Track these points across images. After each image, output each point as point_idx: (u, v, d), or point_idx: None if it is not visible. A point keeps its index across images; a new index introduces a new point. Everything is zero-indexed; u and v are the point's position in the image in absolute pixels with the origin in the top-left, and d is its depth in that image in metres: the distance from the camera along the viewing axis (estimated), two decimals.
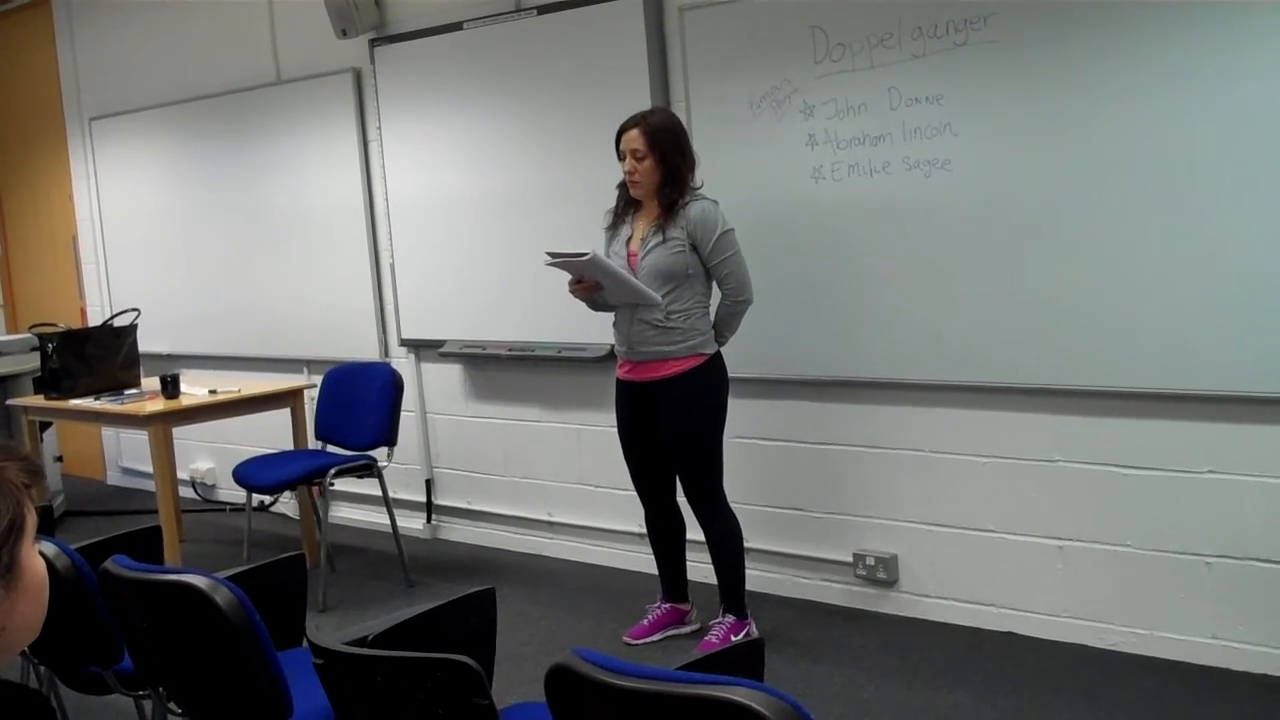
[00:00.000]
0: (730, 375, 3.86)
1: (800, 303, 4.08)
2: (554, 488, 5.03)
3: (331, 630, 2.22)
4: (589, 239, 3.90)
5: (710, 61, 4.20)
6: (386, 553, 5.10)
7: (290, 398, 5.19)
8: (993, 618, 3.89)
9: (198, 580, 2.33)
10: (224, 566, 2.72)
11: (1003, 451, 3.81)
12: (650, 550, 4.13)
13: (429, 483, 5.50)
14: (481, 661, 1.99)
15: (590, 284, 3.76)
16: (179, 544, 4.95)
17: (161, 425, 4.86)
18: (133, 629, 2.58)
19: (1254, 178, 3.20)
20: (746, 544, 3.94)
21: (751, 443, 4.32)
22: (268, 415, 5.26)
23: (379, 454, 4.77)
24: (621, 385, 3.92)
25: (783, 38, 3.99)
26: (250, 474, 4.76)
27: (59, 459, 6.47)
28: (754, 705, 1.53)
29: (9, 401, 5.65)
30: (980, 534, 3.89)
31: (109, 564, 2.51)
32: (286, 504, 5.85)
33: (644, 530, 4.12)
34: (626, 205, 3.85)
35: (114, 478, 7.25)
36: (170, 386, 4.92)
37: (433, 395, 5.43)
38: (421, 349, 5.41)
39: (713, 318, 3.80)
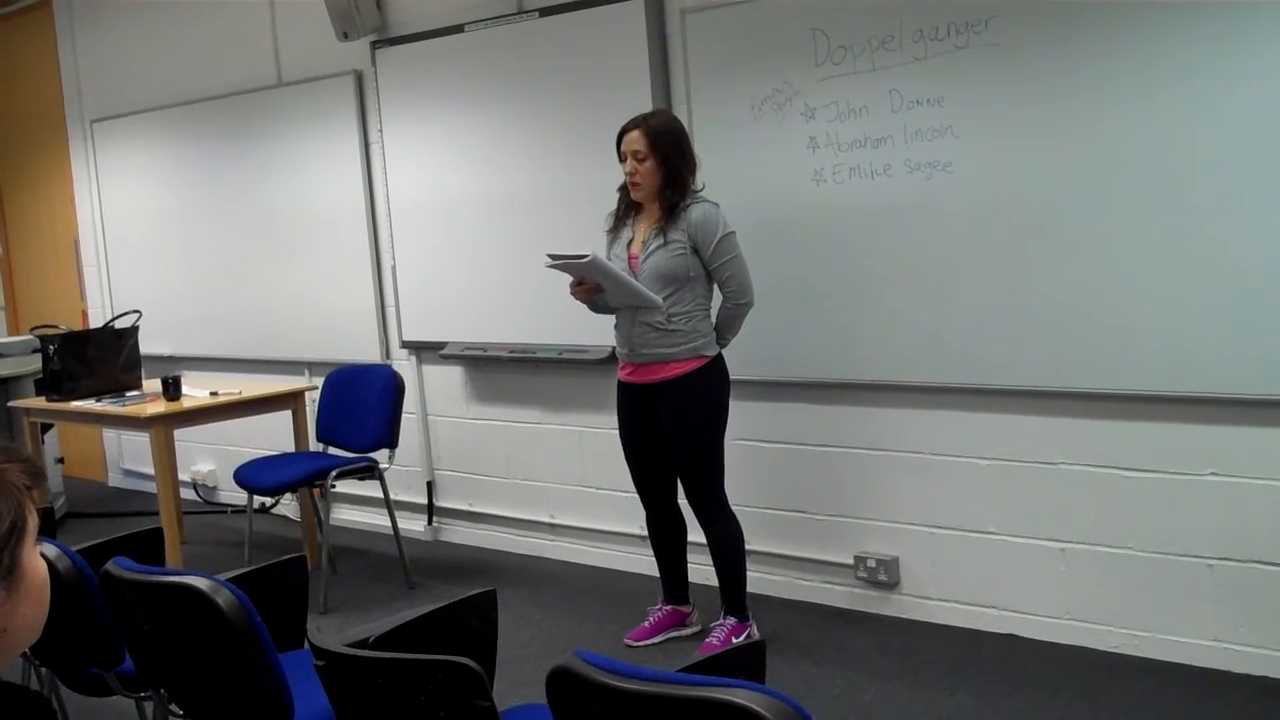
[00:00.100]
0: (731, 377, 3.86)
1: (801, 305, 4.08)
2: (555, 489, 5.03)
3: (333, 632, 2.22)
4: (590, 241, 3.90)
5: (712, 64, 4.21)
6: (388, 555, 5.10)
7: (291, 400, 5.19)
8: (994, 620, 3.89)
9: (199, 582, 2.33)
10: (225, 568, 2.72)
11: (1004, 454, 3.81)
12: (651, 552, 4.13)
13: (430, 485, 5.50)
14: (483, 663, 2.00)
15: (591, 286, 3.77)
16: (180, 546, 4.96)
17: (163, 427, 4.87)
18: (134, 631, 2.58)
19: (1255, 178, 3.20)
20: (748, 546, 3.94)
21: (752, 445, 4.32)
22: (269, 417, 5.26)
23: (380, 456, 4.77)
24: (623, 387, 3.92)
25: (784, 40, 3.99)
26: (251, 476, 4.77)
27: (60, 461, 6.47)
28: (755, 707, 1.53)
29: (10, 403, 5.66)
30: (981, 536, 3.89)
31: (110, 566, 2.52)
32: (288, 506, 5.85)
33: (645, 532, 4.12)
34: (627, 208, 3.85)
35: (115, 479, 7.25)
36: (171, 388, 4.92)
37: (434, 397, 5.43)
38: (423, 351, 5.41)
39: (714, 320, 3.81)
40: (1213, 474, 3.44)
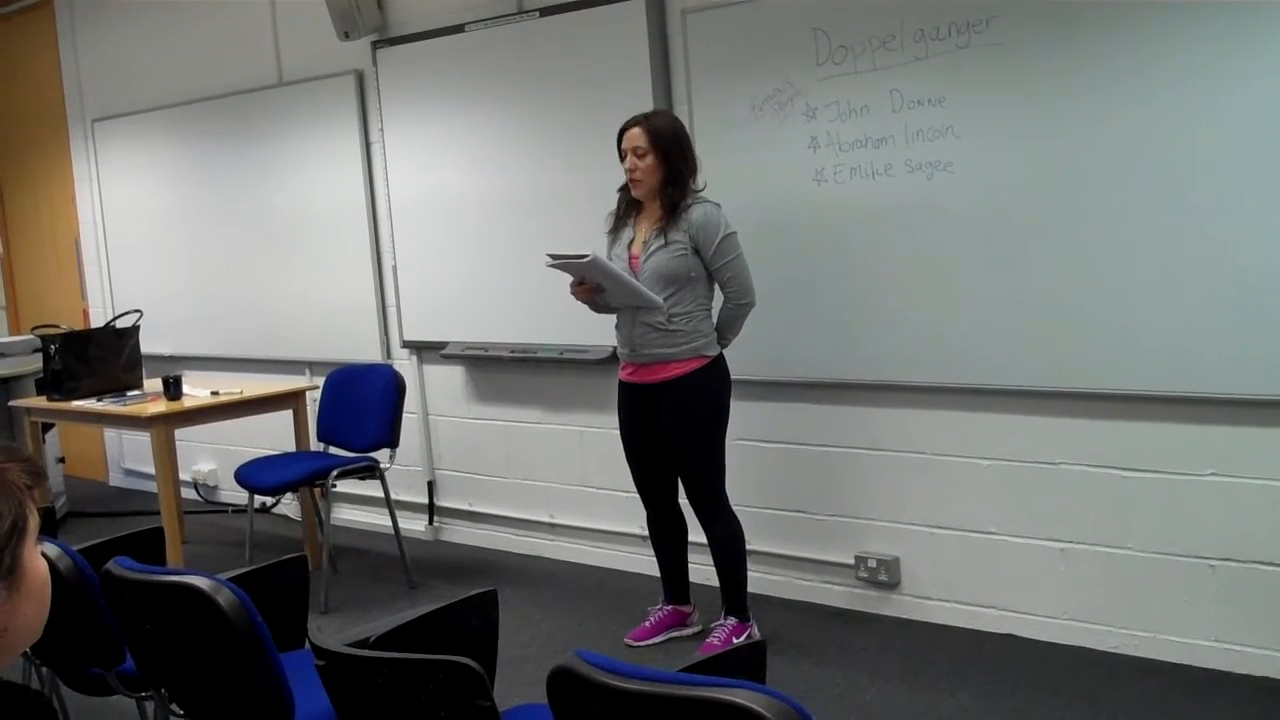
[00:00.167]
0: (732, 377, 3.86)
1: (802, 305, 4.08)
2: (556, 489, 5.03)
3: (333, 632, 2.22)
4: (591, 240, 3.91)
5: (712, 64, 4.21)
6: (388, 554, 5.10)
7: (292, 399, 5.19)
8: (994, 620, 3.89)
9: (200, 581, 2.33)
10: (226, 568, 2.72)
11: (1004, 454, 3.81)
12: (652, 552, 4.13)
13: (431, 484, 5.50)
14: (483, 663, 2.00)
15: (591, 286, 3.77)
16: (181, 545, 4.95)
17: (163, 427, 4.87)
18: (135, 630, 2.58)
19: (1256, 178, 3.20)
20: (748, 546, 3.94)
21: (753, 445, 4.32)
22: (270, 417, 5.27)
23: (381, 455, 4.77)
24: (624, 387, 3.92)
25: (785, 40, 3.99)
26: (252, 475, 4.77)
27: (61, 460, 6.47)
28: (756, 707, 1.53)
29: (11, 403, 5.66)
30: (982, 536, 3.89)
31: (111, 565, 2.52)
32: (288, 505, 5.85)
33: (646, 532, 4.12)
34: (628, 208, 3.85)
35: (116, 479, 7.25)
36: (172, 388, 4.92)
37: (434, 397, 5.43)
38: (423, 350, 5.41)
39: (715, 320, 3.81)
40: (1213, 474, 3.44)
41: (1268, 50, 3.15)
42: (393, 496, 4.89)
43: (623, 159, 3.76)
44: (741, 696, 1.55)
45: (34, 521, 1.34)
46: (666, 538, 4.05)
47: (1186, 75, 3.28)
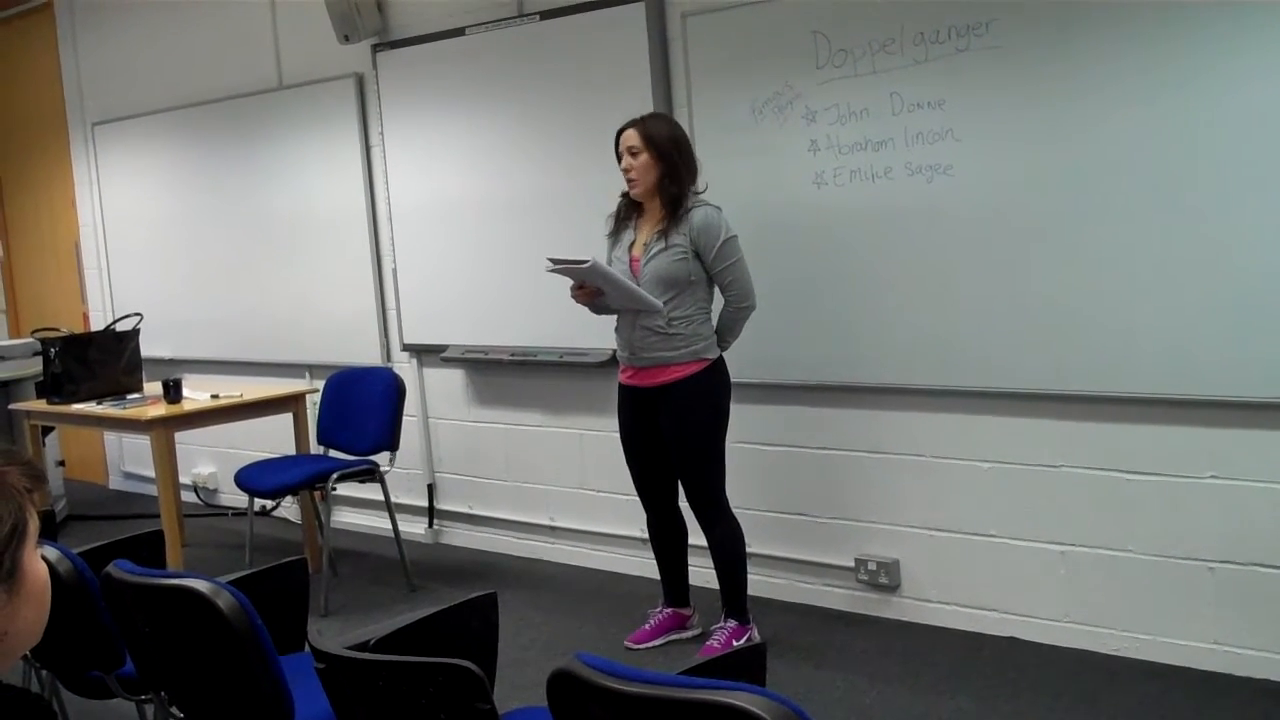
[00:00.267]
0: (732, 380, 3.86)
1: (802, 308, 4.08)
2: (556, 492, 5.03)
3: (333, 635, 2.22)
4: (591, 244, 3.91)
5: (712, 67, 4.21)
6: (388, 557, 5.10)
7: (292, 402, 5.19)
8: (994, 623, 3.89)
9: (200, 584, 2.33)
10: (226, 571, 2.72)
11: (1004, 456, 3.81)
12: (652, 555, 4.13)
13: (431, 487, 5.50)
14: (483, 666, 1.99)
15: (592, 289, 3.77)
16: (181, 548, 4.95)
17: (163, 430, 4.87)
18: (135, 633, 2.58)
19: (1256, 180, 3.20)
20: (748, 549, 3.94)
21: (753, 447, 4.32)
22: (270, 420, 5.27)
23: (381, 459, 4.77)
24: (624, 390, 3.92)
25: (785, 43, 4.00)
26: (252, 478, 4.77)
27: (61, 463, 6.47)
28: (756, 710, 1.53)
29: (11, 406, 5.66)
30: (982, 539, 3.89)
31: (111, 568, 2.51)
32: (288, 509, 5.85)
33: (646, 535, 4.12)
34: (629, 211, 3.85)
35: (116, 482, 7.25)
36: (172, 391, 4.92)
37: (435, 400, 5.43)
38: (423, 354, 5.41)
39: (715, 323, 3.81)
40: (1213, 476, 3.44)
41: (1266, 51, 3.16)
42: (393, 499, 4.89)
43: (620, 161, 3.76)
44: (741, 699, 1.55)
45: (34, 525, 1.34)
46: (666, 540, 4.05)
47: (1185, 77, 3.28)
